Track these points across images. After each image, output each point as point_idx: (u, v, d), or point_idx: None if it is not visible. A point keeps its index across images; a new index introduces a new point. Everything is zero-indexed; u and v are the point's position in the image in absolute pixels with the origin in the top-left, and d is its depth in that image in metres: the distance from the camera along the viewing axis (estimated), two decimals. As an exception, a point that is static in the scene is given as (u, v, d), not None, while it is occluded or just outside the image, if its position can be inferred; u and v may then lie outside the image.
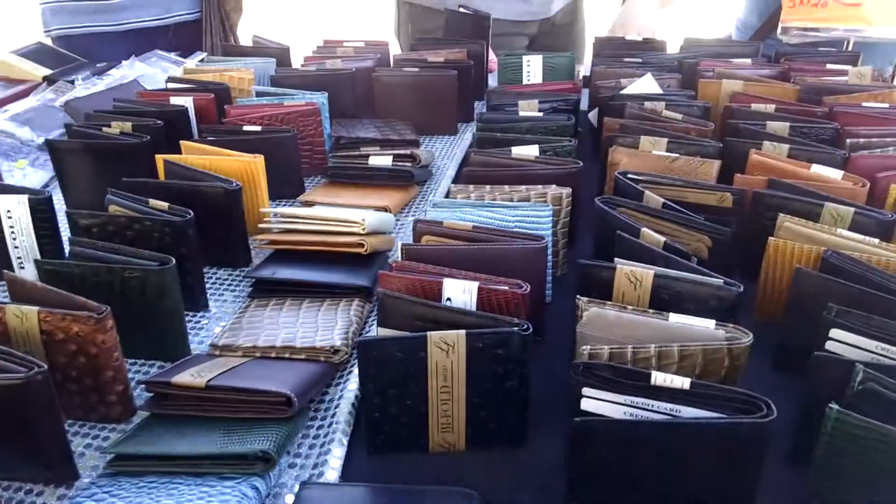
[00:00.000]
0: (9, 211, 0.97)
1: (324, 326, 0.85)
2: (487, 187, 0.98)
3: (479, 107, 1.63)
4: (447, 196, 1.00)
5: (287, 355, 0.81)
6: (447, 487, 0.63)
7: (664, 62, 1.48)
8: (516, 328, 0.68)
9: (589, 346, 0.67)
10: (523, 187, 0.98)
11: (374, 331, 0.87)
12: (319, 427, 0.75)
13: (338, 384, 0.81)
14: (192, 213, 0.91)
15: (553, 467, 0.70)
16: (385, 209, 1.13)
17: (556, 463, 0.70)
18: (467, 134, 1.49)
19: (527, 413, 0.71)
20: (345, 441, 0.72)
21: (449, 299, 0.76)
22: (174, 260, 0.82)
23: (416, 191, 1.25)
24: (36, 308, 0.72)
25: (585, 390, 0.63)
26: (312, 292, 0.93)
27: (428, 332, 0.67)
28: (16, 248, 0.98)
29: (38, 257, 0.97)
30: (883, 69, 1.52)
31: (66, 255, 0.95)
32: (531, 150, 1.08)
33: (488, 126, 1.17)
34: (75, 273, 0.82)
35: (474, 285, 0.76)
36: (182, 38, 1.95)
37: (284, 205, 1.21)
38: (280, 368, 0.78)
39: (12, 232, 0.98)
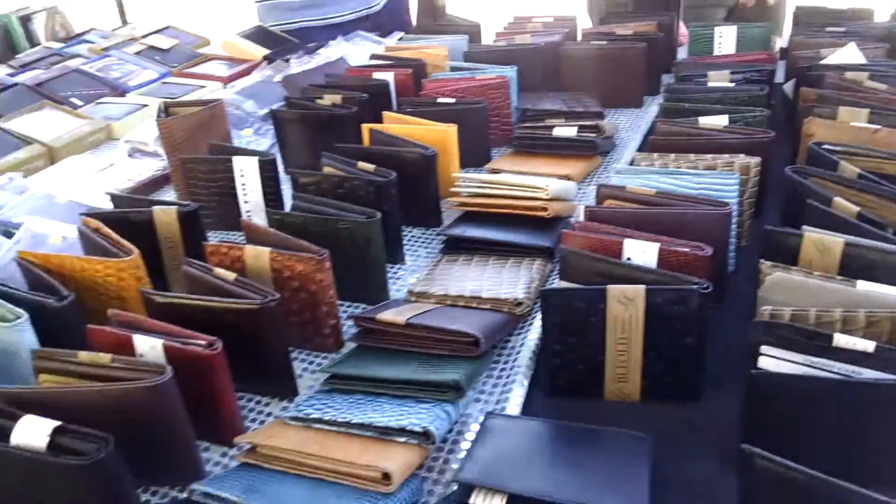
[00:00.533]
0: (242, 170, 1.12)
1: (508, 281, 0.92)
2: (672, 156, 1.00)
3: (667, 80, 1.61)
4: (631, 164, 1.02)
5: (474, 305, 0.89)
6: (623, 430, 0.67)
7: (870, 31, 1.39)
8: (696, 286, 0.70)
9: (770, 307, 0.68)
10: (709, 156, 0.98)
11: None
12: (502, 370, 0.82)
13: (519, 333, 0.87)
14: (394, 173, 1.00)
15: (725, 424, 0.72)
16: (567, 177, 1.18)
17: (728, 420, 0.72)
18: (653, 107, 1.49)
19: (702, 369, 0.74)
20: (525, 383, 0.79)
21: (629, 259, 0.80)
22: (379, 214, 0.92)
23: (598, 161, 1.28)
24: (268, 249, 0.85)
25: (764, 348, 0.65)
26: (498, 250, 1.00)
27: (607, 286, 0.71)
28: (246, 202, 1.14)
29: (263, 210, 1.12)
30: None
31: (288, 208, 1.08)
32: (720, 120, 1.07)
33: (676, 96, 1.18)
34: (297, 222, 0.94)
35: (655, 246, 0.79)
36: (379, 22, 2.07)
37: (472, 172, 1.29)
38: (469, 314, 0.86)
39: (244, 188, 1.13)
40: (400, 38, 1.91)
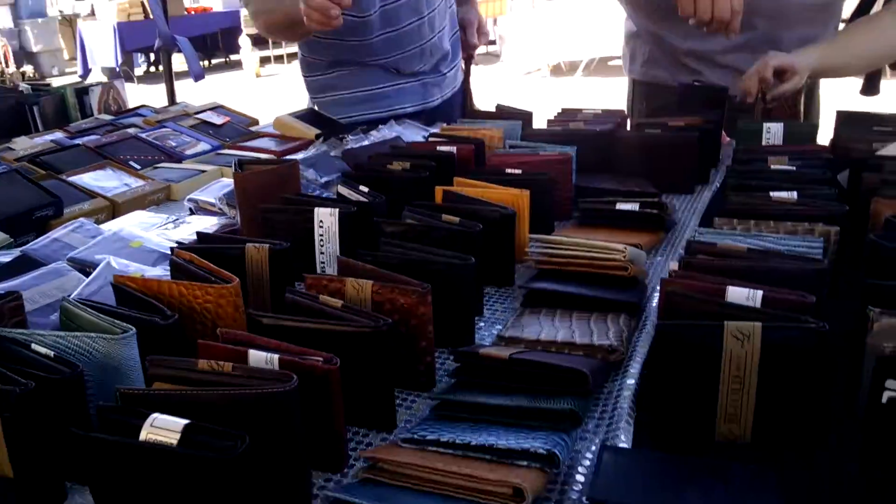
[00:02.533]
0: (321, 221, 1.14)
1: (598, 331, 0.92)
2: (752, 221, 1.03)
3: (714, 174, 1.67)
4: (710, 227, 1.05)
5: (566, 351, 0.89)
6: (747, 464, 0.66)
7: (917, 130, 1.46)
8: (814, 324, 0.71)
9: (893, 343, 0.68)
10: (788, 223, 1.01)
11: (644, 339, 0.93)
12: (602, 411, 0.81)
13: (614, 380, 0.87)
14: (480, 225, 1.03)
15: (840, 474, 0.71)
16: (638, 246, 1.20)
17: (841, 471, 0.71)
18: (705, 193, 1.54)
19: (822, 413, 0.73)
20: (630, 422, 0.78)
21: (732, 306, 0.81)
22: (473, 259, 0.93)
23: (662, 237, 1.31)
24: (371, 281, 0.86)
25: (889, 382, 0.65)
26: (580, 306, 1.01)
27: (725, 321, 0.72)
28: (322, 252, 1.16)
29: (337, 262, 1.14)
30: None
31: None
32: (790, 195, 1.11)
33: (742, 175, 1.22)
34: (390, 264, 0.95)
35: (758, 293, 0.80)
36: (434, 119, 2.13)
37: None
38: (566, 357, 0.86)
39: (321, 239, 1.15)
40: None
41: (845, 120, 1.60)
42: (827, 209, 1.05)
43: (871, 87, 2.01)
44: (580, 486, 0.69)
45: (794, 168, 1.25)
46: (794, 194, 1.12)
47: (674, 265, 0.90)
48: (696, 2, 1.59)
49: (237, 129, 2.15)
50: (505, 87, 8.07)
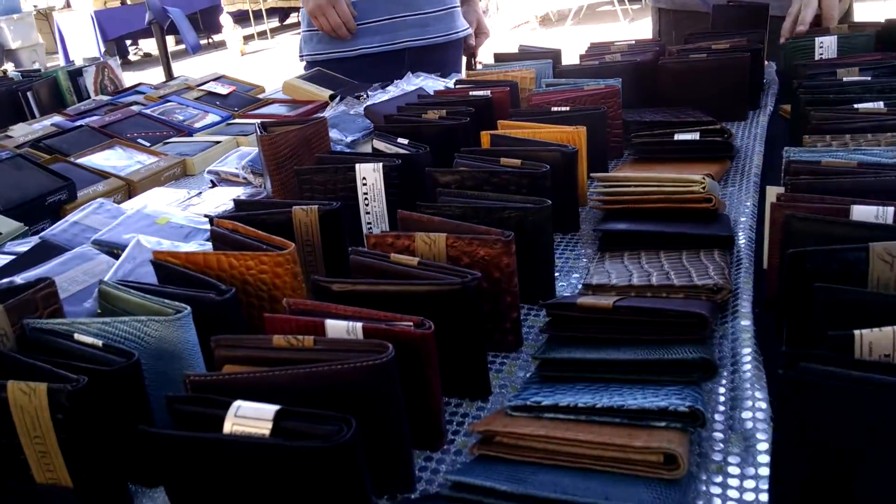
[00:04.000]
0: (364, 178, 1.04)
1: (695, 269, 0.83)
2: (847, 136, 0.93)
3: (763, 97, 1.56)
4: (800, 146, 0.95)
5: (664, 294, 0.80)
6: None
7: None
8: (976, 237, 0.62)
9: None
10: (888, 134, 0.91)
11: (744, 276, 0.84)
12: (722, 358, 0.72)
13: (724, 323, 0.78)
14: (546, 165, 0.93)
15: None
16: (710, 176, 1.10)
17: None
18: (761, 118, 1.43)
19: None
20: (760, 367, 0.68)
21: (858, 226, 0.71)
22: (549, 201, 0.83)
23: (728, 165, 1.20)
24: (444, 234, 0.76)
25: None
26: (666, 244, 0.91)
27: (870, 244, 0.63)
28: (367, 213, 1.06)
29: (387, 221, 1.04)
30: None
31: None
32: (878, 105, 1.01)
33: (815, 90, 1.12)
34: (456, 214, 0.85)
35: (889, 209, 0.70)
36: (417, 62, 2.05)
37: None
38: (669, 301, 0.76)
39: (365, 198, 1.05)
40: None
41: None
42: (926, 116, 0.94)
43: None
44: (721, 447, 0.60)
45: (870, 78, 1.15)
46: (881, 104, 1.01)
47: (777, 190, 0.80)
48: None
49: (244, 97, 2.03)
50: (497, 42, 7.87)
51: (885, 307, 0.59)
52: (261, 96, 2.08)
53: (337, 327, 0.62)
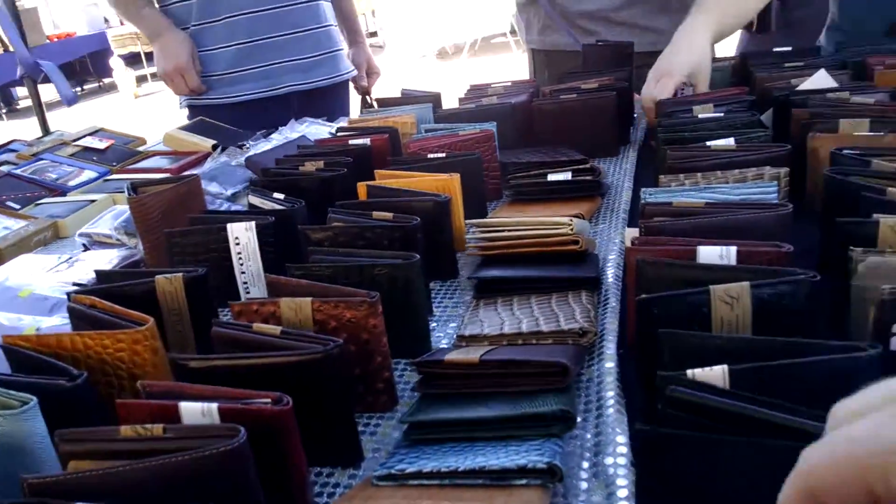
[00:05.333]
0: (237, 238, 1.02)
1: (563, 313, 0.85)
2: (699, 175, 0.98)
3: (633, 132, 1.63)
4: (651, 186, 0.99)
5: (534, 341, 0.81)
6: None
7: (827, 62, 1.46)
8: (803, 275, 0.66)
9: (888, 286, 0.64)
10: (736, 171, 0.97)
11: (610, 316, 0.86)
12: (588, 402, 0.73)
13: (590, 366, 0.80)
14: (417, 218, 0.93)
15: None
16: (579, 216, 1.14)
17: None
18: (630, 153, 1.49)
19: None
20: (622, 410, 0.70)
21: (705, 266, 0.75)
22: (418, 256, 0.84)
23: (599, 202, 1.25)
24: (309, 298, 0.75)
25: (897, 326, 0.60)
26: (537, 289, 0.93)
27: (711, 286, 0.66)
28: (243, 272, 1.04)
29: (263, 280, 1.02)
30: None
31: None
32: (728, 142, 1.07)
33: (672, 128, 1.17)
34: (325, 275, 0.85)
35: (732, 249, 0.74)
36: (304, 106, 2.06)
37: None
38: (537, 349, 0.78)
39: (240, 257, 1.03)
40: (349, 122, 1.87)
41: (754, 60, 1.58)
42: (770, 151, 1.01)
43: (764, 24, 2.02)
44: (584, 496, 0.61)
45: (723, 114, 1.22)
46: (732, 141, 1.08)
47: (633, 232, 0.84)
48: None
49: (123, 151, 1.97)
50: (394, 76, 7.95)
51: (726, 348, 0.62)
52: (142, 148, 2.02)
53: (192, 410, 0.60)
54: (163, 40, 1.97)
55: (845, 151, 0.96)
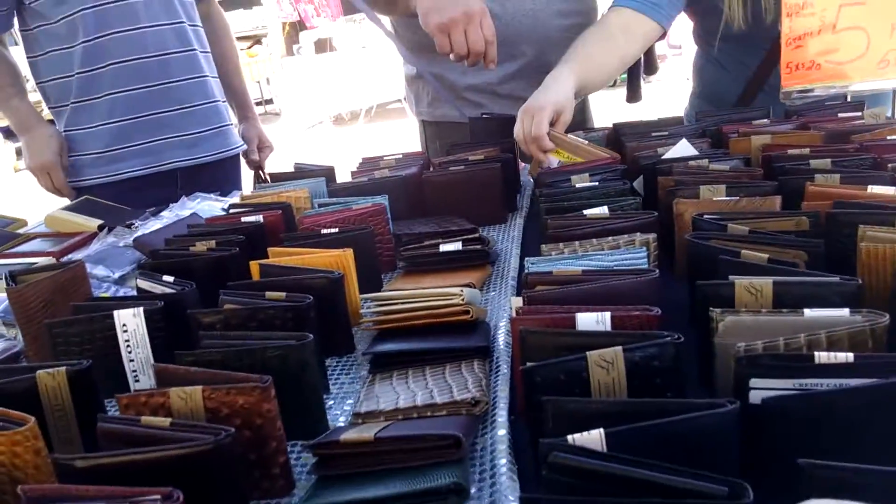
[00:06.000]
0: (125, 325, 1.00)
1: (456, 384, 0.88)
2: (577, 243, 1.04)
3: (520, 199, 1.71)
4: (534, 255, 1.05)
5: (429, 413, 0.83)
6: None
7: (688, 131, 1.59)
8: (669, 337, 0.71)
9: (743, 343, 0.70)
10: (610, 238, 1.04)
11: (501, 383, 0.90)
12: (482, 470, 0.76)
13: (483, 434, 0.82)
14: (310, 297, 0.95)
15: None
16: (470, 285, 1.18)
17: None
18: (517, 220, 1.56)
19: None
20: (514, 477, 0.73)
21: (584, 332, 0.79)
22: (311, 336, 0.85)
23: (489, 270, 1.30)
24: (199, 387, 0.75)
25: (753, 381, 0.66)
26: (430, 360, 0.96)
27: (587, 353, 0.70)
28: (131, 360, 1.01)
29: (153, 367, 1.00)
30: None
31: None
32: (602, 211, 1.15)
33: (552, 198, 1.24)
34: (216, 360, 0.84)
35: (607, 315, 0.80)
36: (190, 182, 2.05)
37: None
38: (430, 422, 0.80)
39: (127, 345, 1.01)
40: (242, 197, 1.87)
41: (624, 131, 1.70)
42: (639, 218, 1.09)
43: (634, 95, 2.18)
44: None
45: (598, 183, 1.30)
46: (605, 209, 1.15)
47: (518, 301, 0.88)
48: (450, 39, 1.64)
49: (1, 234, 1.88)
50: (290, 144, 7.97)
51: (604, 411, 0.66)
52: (22, 230, 1.94)
53: (77, 514, 0.58)
54: (30, 136, 1.93)
55: (705, 216, 1.05)
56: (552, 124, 1.57)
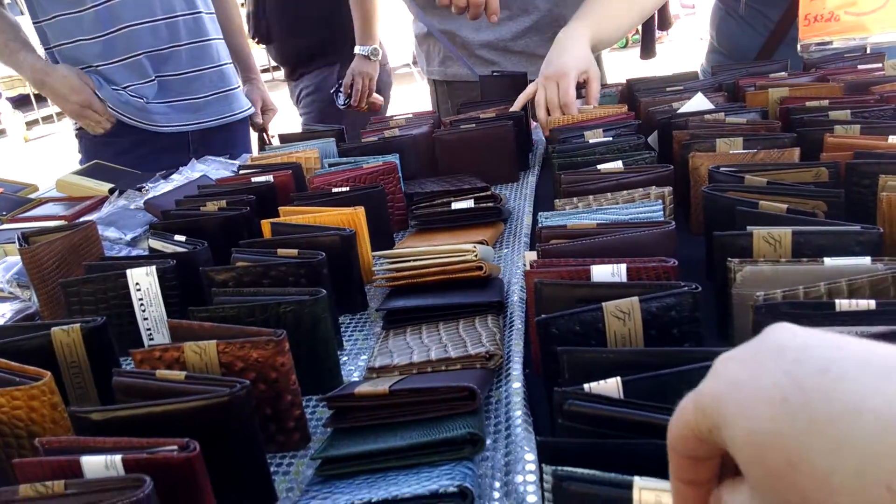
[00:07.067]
0: (138, 283, 1.00)
1: (470, 338, 0.87)
2: (591, 197, 1.03)
3: (531, 157, 1.69)
4: (553, 210, 1.04)
5: (443, 367, 0.83)
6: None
7: (704, 85, 1.56)
8: (686, 288, 0.70)
9: (762, 292, 0.69)
10: (624, 192, 1.02)
11: (515, 338, 0.89)
12: (497, 423, 0.76)
13: (498, 388, 0.82)
14: (322, 253, 0.94)
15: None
16: (483, 242, 1.17)
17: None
18: (530, 178, 1.54)
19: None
20: (529, 429, 0.73)
21: (599, 284, 0.79)
22: (325, 291, 0.85)
23: (502, 227, 1.29)
24: (214, 341, 0.74)
25: (772, 329, 0.65)
26: (444, 316, 0.95)
27: (603, 303, 0.69)
28: (145, 319, 1.01)
29: (167, 326, 1.00)
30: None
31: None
32: (616, 165, 1.13)
33: (565, 154, 1.23)
34: (230, 316, 0.84)
35: (622, 266, 0.79)
36: (201, 145, 2.04)
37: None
38: (445, 375, 0.80)
39: (141, 304, 1.01)
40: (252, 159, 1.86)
41: (638, 87, 1.67)
42: (655, 171, 1.07)
43: (648, 51, 2.14)
44: (497, 512, 0.63)
45: (612, 138, 1.28)
46: (620, 163, 1.13)
47: (531, 255, 0.87)
48: None
49: (13, 199, 1.88)
50: (293, 109, 7.90)
51: (620, 361, 0.65)
52: (34, 195, 1.94)
53: (94, 464, 0.58)
54: (50, 83, 1.91)
55: (721, 169, 1.03)
56: (582, 86, 1.54)
